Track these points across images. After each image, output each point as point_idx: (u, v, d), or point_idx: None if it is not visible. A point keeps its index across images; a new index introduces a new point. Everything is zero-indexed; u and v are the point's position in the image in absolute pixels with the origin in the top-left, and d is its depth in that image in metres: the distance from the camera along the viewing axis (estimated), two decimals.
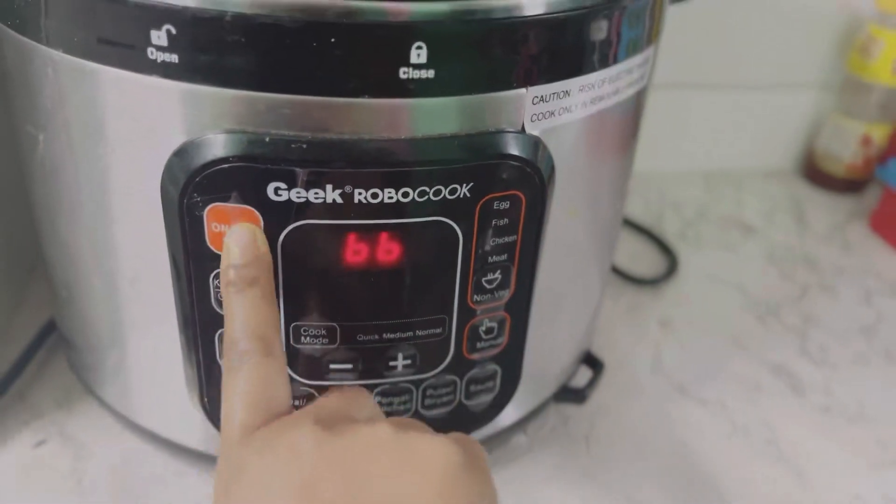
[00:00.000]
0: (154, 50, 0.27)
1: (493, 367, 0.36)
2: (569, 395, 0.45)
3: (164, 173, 0.30)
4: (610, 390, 0.50)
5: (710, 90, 0.75)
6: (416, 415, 0.36)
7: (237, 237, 0.30)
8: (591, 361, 0.47)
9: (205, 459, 0.40)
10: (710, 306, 0.60)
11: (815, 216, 0.74)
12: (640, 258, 0.65)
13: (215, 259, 0.31)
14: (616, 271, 0.62)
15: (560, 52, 0.30)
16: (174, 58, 0.27)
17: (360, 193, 0.29)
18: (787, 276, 0.65)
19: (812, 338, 0.58)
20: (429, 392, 0.36)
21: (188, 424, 0.38)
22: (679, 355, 0.55)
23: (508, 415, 0.41)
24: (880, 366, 0.55)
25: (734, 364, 0.54)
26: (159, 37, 0.27)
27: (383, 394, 0.35)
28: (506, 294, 0.34)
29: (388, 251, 0.31)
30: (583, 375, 0.47)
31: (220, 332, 0.33)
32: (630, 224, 0.69)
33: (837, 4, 0.73)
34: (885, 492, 0.45)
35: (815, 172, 0.79)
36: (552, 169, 0.32)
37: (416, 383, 0.35)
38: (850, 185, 0.77)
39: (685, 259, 0.65)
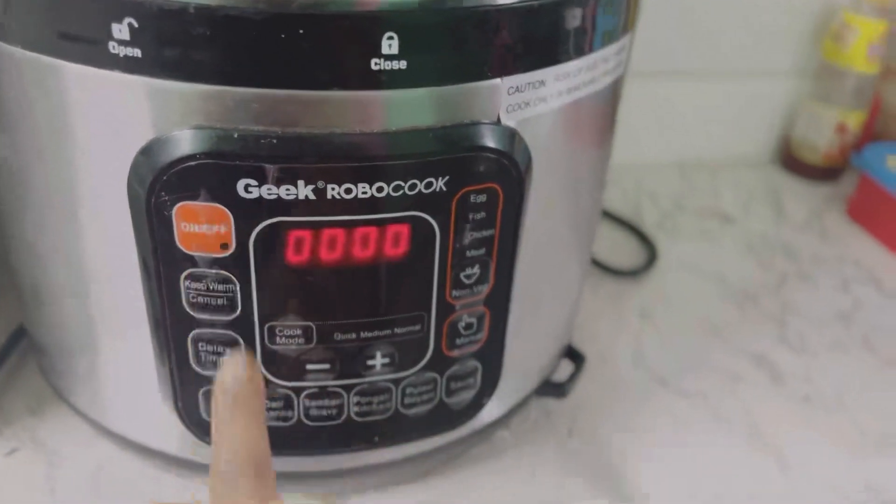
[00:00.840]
0: (116, 44, 0.26)
1: (473, 363, 0.36)
2: (550, 389, 0.45)
3: (130, 172, 0.29)
4: (592, 384, 0.50)
5: (683, 79, 0.75)
6: (397, 414, 0.35)
7: (231, 363, 0.29)
8: (573, 355, 0.47)
9: (180, 464, 0.39)
10: (690, 296, 0.60)
11: (792, 205, 0.74)
12: (618, 249, 0.65)
13: (186, 259, 0.30)
14: (595, 263, 0.61)
15: (534, 41, 0.30)
16: (137, 52, 0.26)
17: (332, 189, 0.29)
18: (766, 264, 0.65)
19: (791, 326, 0.58)
20: (408, 391, 0.35)
21: (162, 429, 0.37)
22: (660, 347, 0.54)
23: (490, 411, 0.40)
24: (858, 353, 0.56)
25: (714, 355, 0.54)
26: (121, 30, 0.26)
27: (362, 393, 0.34)
28: (485, 289, 0.34)
29: (364, 248, 0.30)
30: (564, 369, 0.46)
31: (192, 334, 0.32)
32: (608, 215, 0.68)
33: None
34: (867, 479, 0.45)
35: (791, 161, 0.79)
36: (529, 160, 0.32)
37: (396, 382, 0.34)
38: (826, 172, 0.78)
39: (664, 250, 0.65)
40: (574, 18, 0.31)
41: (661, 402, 0.50)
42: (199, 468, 0.38)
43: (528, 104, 0.31)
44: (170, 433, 0.37)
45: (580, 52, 0.32)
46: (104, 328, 0.35)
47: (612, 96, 0.37)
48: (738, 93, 0.77)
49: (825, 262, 0.66)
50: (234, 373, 0.29)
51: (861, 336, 0.57)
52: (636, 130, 0.73)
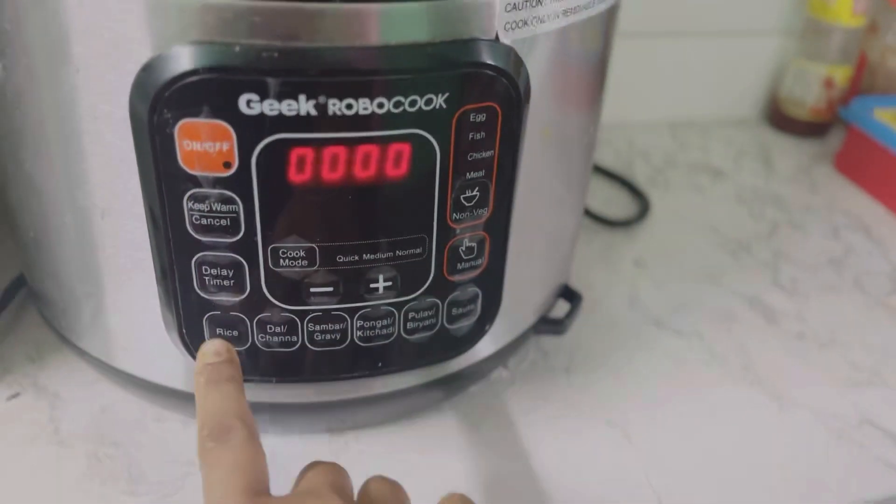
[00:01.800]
0: None
1: (473, 289, 0.36)
2: (548, 326, 0.45)
3: (131, 91, 0.29)
4: (588, 326, 0.51)
5: (672, 38, 0.75)
6: (399, 339, 0.36)
7: (210, 344, 0.32)
8: (569, 295, 0.47)
9: (185, 400, 0.39)
10: (683, 245, 0.61)
11: (782, 159, 0.75)
12: (612, 203, 0.65)
13: (189, 179, 0.30)
14: (589, 214, 0.62)
15: None
16: None
17: (334, 104, 0.29)
18: (757, 215, 0.66)
19: (783, 271, 0.58)
20: (411, 315, 0.35)
21: (167, 364, 0.37)
22: (654, 291, 0.55)
23: (490, 344, 0.41)
24: (850, 294, 0.56)
25: (709, 297, 0.55)
26: None
27: (365, 318, 0.34)
28: (484, 213, 0.34)
29: (365, 166, 0.31)
30: (561, 310, 0.47)
31: (196, 257, 0.32)
32: (601, 171, 0.69)
33: None
34: (861, 408, 0.46)
35: (779, 118, 0.80)
36: (528, 81, 0.32)
37: (398, 306, 0.35)
38: (814, 128, 0.79)
39: (656, 202, 0.66)
40: None
41: (656, 342, 0.50)
42: None
43: (525, 23, 0.31)
44: (175, 367, 0.37)
45: None
46: (107, 263, 0.35)
47: (606, 24, 0.37)
48: (727, 52, 0.78)
49: (815, 211, 0.67)
50: (215, 348, 0.32)
51: (852, 279, 0.58)
52: (627, 91, 0.74)
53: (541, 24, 0.32)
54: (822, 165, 0.74)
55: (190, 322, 0.34)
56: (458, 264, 0.35)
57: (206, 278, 0.32)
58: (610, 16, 0.37)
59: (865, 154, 0.70)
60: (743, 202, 0.67)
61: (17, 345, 0.45)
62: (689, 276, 0.57)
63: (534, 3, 0.31)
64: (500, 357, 0.43)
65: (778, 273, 0.58)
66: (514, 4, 0.30)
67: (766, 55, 0.79)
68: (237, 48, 0.28)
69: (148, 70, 0.28)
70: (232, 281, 0.32)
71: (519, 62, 0.32)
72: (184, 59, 0.28)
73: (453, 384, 0.42)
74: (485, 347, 0.40)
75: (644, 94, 0.78)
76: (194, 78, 0.28)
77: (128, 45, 0.28)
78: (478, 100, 0.31)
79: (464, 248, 0.35)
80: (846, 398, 0.47)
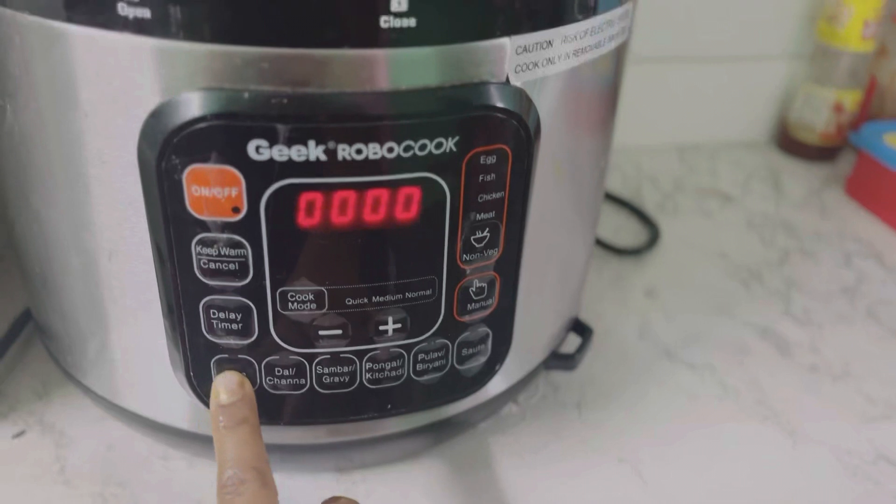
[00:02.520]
0: (125, 5, 0.26)
1: (484, 329, 0.36)
2: (559, 361, 0.45)
3: (140, 136, 0.29)
4: (599, 358, 0.50)
5: (680, 63, 0.75)
6: (409, 381, 0.35)
7: (223, 380, 0.33)
8: (580, 328, 0.47)
9: (190, 439, 0.39)
10: (694, 274, 0.60)
11: (791, 184, 0.74)
12: (621, 230, 0.65)
13: (197, 224, 0.30)
14: (599, 243, 0.61)
15: (541, 0, 0.30)
16: (146, 12, 0.26)
17: (343, 150, 0.28)
18: (767, 241, 0.65)
19: (795, 300, 0.58)
20: (420, 357, 0.35)
21: (173, 404, 0.37)
22: (665, 322, 0.55)
23: (500, 382, 0.40)
24: (863, 324, 0.56)
25: (720, 328, 0.54)
26: None
27: (374, 360, 0.34)
28: (495, 253, 0.34)
29: (375, 210, 0.30)
30: (572, 344, 0.46)
31: (203, 301, 0.32)
32: (610, 197, 0.69)
33: None
34: (876, 444, 0.46)
35: (788, 142, 0.80)
36: (538, 122, 0.32)
37: (408, 348, 0.34)
38: (823, 152, 0.78)
39: (666, 229, 0.65)
40: None
41: (668, 376, 0.50)
42: (209, 443, 0.38)
43: (535, 65, 0.31)
44: (181, 407, 0.37)
45: (586, 13, 0.32)
46: (113, 303, 0.35)
47: (616, 62, 0.37)
48: (736, 76, 0.78)
49: (826, 238, 0.66)
50: (228, 387, 0.32)
51: (865, 308, 0.57)
52: (636, 115, 0.74)
53: (551, 65, 0.32)
54: (833, 190, 0.74)
55: (197, 364, 0.33)
56: (469, 305, 0.35)
57: (214, 322, 0.32)
58: (620, 52, 0.37)
59: (876, 179, 0.69)
60: (753, 228, 0.67)
61: (23, 380, 0.45)
62: (700, 306, 0.56)
63: (544, 46, 0.31)
64: (510, 394, 0.42)
65: (790, 303, 0.57)
66: (525, 47, 0.30)
67: (775, 79, 0.79)
68: (246, 94, 0.27)
69: (156, 116, 0.28)
70: (240, 324, 0.32)
71: (529, 103, 0.31)
72: (192, 106, 0.28)
73: (463, 422, 0.42)
74: (495, 386, 0.40)
75: (652, 117, 0.78)
76: (203, 124, 0.28)
77: (136, 91, 0.28)
78: (488, 142, 0.31)
79: (474, 289, 0.34)
80: (861, 433, 0.46)
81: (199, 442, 0.38)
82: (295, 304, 0.32)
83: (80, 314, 0.37)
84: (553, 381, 0.48)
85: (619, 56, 0.37)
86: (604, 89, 0.37)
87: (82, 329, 0.38)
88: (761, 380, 0.50)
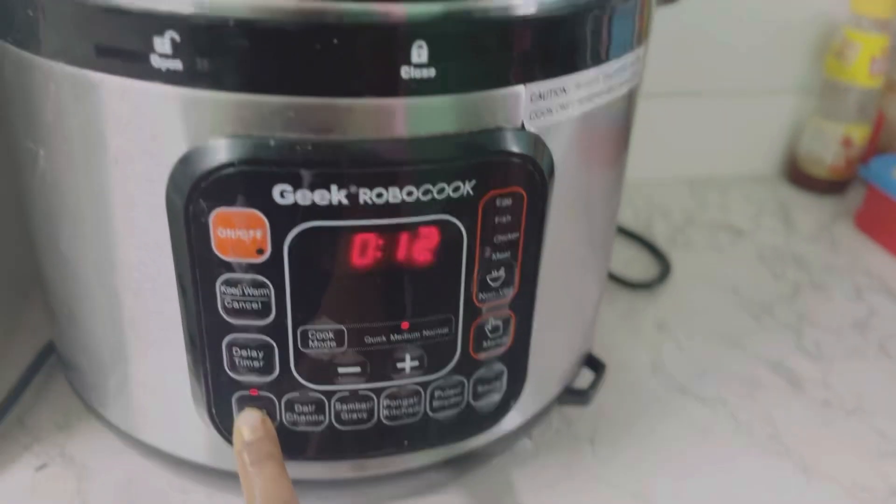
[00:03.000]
0: (157, 57, 0.28)
1: (499, 366, 0.37)
2: (572, 396, 0.45)
3: (168, 181, 0.30)
4: (612, 393, 0.51)
5: (690, 98, 0.76)
6: (426, 417, 0.36)
7: (246, 418, 0.33)
8: (593, 363, 0.47)
9: (210, 474, 0.39)
10: (705, 307, 0.61)
11: (802, 217, 0.75)
12: (633, 264, 0.66)
13: (222, 265, 0.31)
14: (611, 277, 0.62)
15: (554, 49, 0.31)
16: (178, 64, 0.28)
17: (364, 194, 0.29)
18: (778, 275, 0.65)
19: (807, 334, 0.58)
20: (437, 394, 0.36)
21: (194, 438, 0.37)
22: (678, 356, 0.55)
23: (514, 418, 0.41)
24: (876, 359, 0.56)
25: (732, 363, 0.55)
26: (163, 44, 0.27)
27: (392, 397, 0.35)
28: (510, 292, 0.35)
29: (395, 251, 0.31)
30: (585, 378, 0.47)
31: (226, 339, 0.32)
32: (621, 231, 0.69)
33: (813, 10, 0.75)
34: (890, 481, 0.46)
35: (798, 175, 0.80)
36: (552, 165, 0.33)
37: (425, 385, 0.35)
38: (833, 186, 0.79)
39: (677, 263, 0.66)
40: (591, 29, 0.32)
41: (681, 410, 0.50)
42: (228, 478, 0.38)
43: (550, 111, 0.32)
44: (201, 442, 0.37)
45: (598, 60, 0.33)
46: (137, 339, 0.36)
47: (628, 106, 0.38)
48: (745, 111, 0.79)
49: (837, 271, 0.66)
50: (250, 424, 0.33)
51: (878, 342, 0.58)
52: (647, 149, 0.74)
53: (564, 110, 0.33)
54: (843, 223, 0.74)
55: (219, 401, 0.34)
56: (484, 342, 0.35)
57: (237, 359, 0.33)
58: (631, 96, 0.38)
59: (886, 213, 0.70)
60: (764, 261, 0.67)
61: (46, 413, 0.46)
62: (712, 339, 0.57)
63: (558, 93, 0.32)
64: (525, 429, 0.43)
65: (801, 336, 0.58)
66: (540, 94, 0.31)
67: (785, 114, 0.80)
68: (272, 141, 0.29)
69: (185, 162, 0.29)
70: (262, 362, 0.33)
71: (543, 147, 0.32)
72: (220, 152, 0.29)
73: (478, 458, 0.42)
74: (510, 421, 0.40)
75: (663, 151, 0.78)
76: (230, 170, 0.29)
77: (166, 138, 0.29)
78: (503, 185, 0.32)
79: (490, 327, 0.35)
80: (875, 469, 0.46)
81: (218, 477, 0.39)
82: (315, 342, 0.33)
83: (103, 349, 0.38)
84: (567, 416, 0.49)
85: (630, 99, 0.38)
86: (616, 131, 0.38)
87: (105, 364, 0.39)
88: (774, 414, 0.50)
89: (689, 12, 0.70)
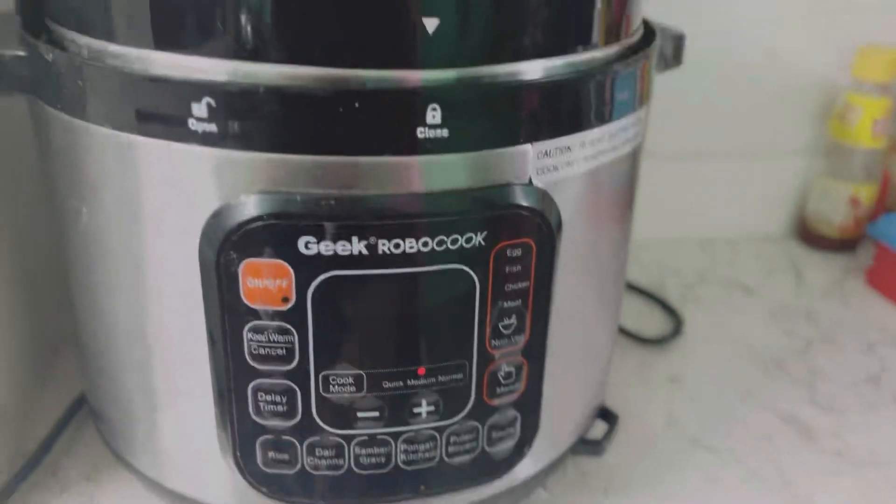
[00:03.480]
0: (195, 121, 0.30)
1: (512, 412, 0.38)
2: (586, 447, 0.46)
3: (202, 235, 0.32)
4: (625, 444, 0.51)
5: (700, 159, 0.79)
6: (441, 462, 0.37)
7: None
8: (607, 415, 0.48)
9: None
10: (718, 362, 0.62)
11: (813, 275, 0.76)
12: (646, 320, 0.67)
13: (250, 312, 0.33)
14: (624, 332, 0.63)
15: (560, 111, 0.34)
16: (213, 127, 0.30)
17: (383, 244, 0.32)
18: (790, 331, 0.66)
19: (819, 388, 0.59)
20: (452, 439, 0.37)
21: (219, 484, 0.39)
22: (691, 409, 0.56)
23: (529, 466, 0.42)
24: (889, 412, 0.56)
25: (745, 415, 0.55)
26: (200, 109, 0.30)
27: (408, 441, 0.36)
28: (522, 339, 0.36)
29: (411, 299, 0.33)
30: (599, 429, 0.48)
31: (252, 384, 0.34)
32: (633, 288, 0.71)
33: (815, 75, 0.78)
34: None
35: (808, 234, 0.82)
36: (559, 218, 0.35)
37: (441, 430, 0.36)
38: (843, 244, 0.80)
39: (689, 319, 0.67)
40: (594, 93, 0.35)
41: (694, 461, 0.51)
42: None
43: (556, 168, 0.34)
44: (226, 488, 0.39)
45: (601, 121, 0.35)
46: (166, 388, 0.38)
47: (631, 163, 0.40)
48: (754, 172, 0.81)
49: (848, 327, 0.67)
50: None
51: (891, 395, 0.58)
52: (658, 209, 0.77)
53: (570, 167, 0.35)
54: (854, 280, 0.75)
55: (244, 445, 0.36)
56: (498, 388, 0.37)
57: (262, 404, 0.35)
58: (634, 154, 0.40)
59: (895, 270, 0.71)
60: (775, 318, 0.68)
61: (76, 462, 0.47)
62: (724, 393, 0.58)
63: (563, 151, 0.34)
64: (539, 479, 0.44)
65: (814, 389, 0.58)
66: (546, 152, 0.33)
67: (792, 174, 0.82)
68: (298, 197, 0.31)
69: (218, 216, 0.32)
70: (285, 407, 0.34)
71: (550, 201, 0.35)
72: (251, 207, 0.31)
73: None
74: (524, 470, 0.41)
75: (675, 212, 0.80)
76: (259, 223, 0.31)
77: (199, 194, 0.32)
78: (513, 237, 0.34)
79: (502, 373, 0.37)
80: None
81: None
82: (336, 386, 0.34)
83: (133, 399, 0.40)
84: (581, 467, 0.49)
85: (633, 157, 0.40)
86: (620, 187, 0.40)
87: (134, 413, 0.40)
88: (786, 465, 0.50)
89: (699, 77, 0.73)
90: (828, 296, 0.72)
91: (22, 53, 0.34)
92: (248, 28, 0.30)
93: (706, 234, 0.82)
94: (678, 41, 0.46)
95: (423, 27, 0.30)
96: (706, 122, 0.77)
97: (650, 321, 0.67)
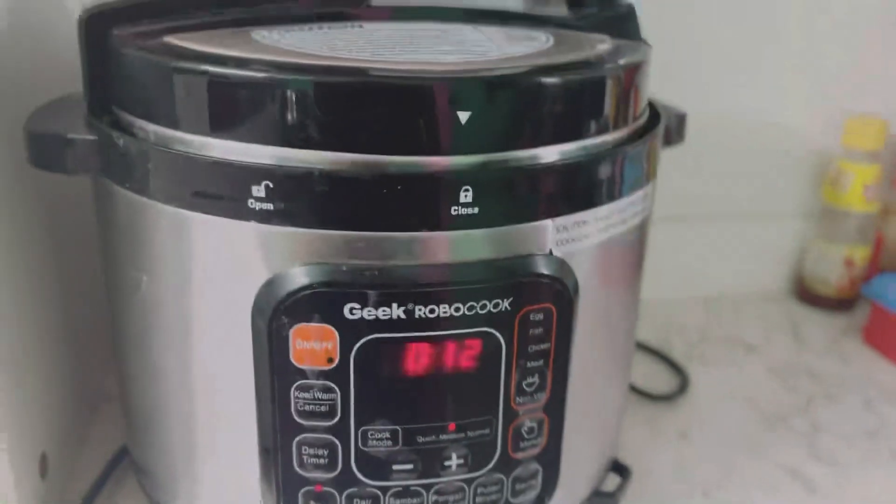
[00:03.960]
0: (254, 201, 0.34)
1: (535, 466, 0.41)
2: (601, 499, 0.49)
3: (254, 303, 0.36)
4: (638, 497, 0.54)
5: (702, 222, 0.83)
6: None
7: None
8: (619, 468, 0.51)
9: None
10: (723, 418, 0.64)
11: (811, 333, 0.79)
12: (653, 378, 0.70)
13: (298, 372, 0.36)
14: (633, 390, 0.66)
15: (576, 190, 0.37)
16: (270, 206, 0.34)
17: (419, 310, 0.35)
18: (791, 388, 0.69)
19: (821, 442, 0.61)
20: (479, 490, 0.40)
21: None
22: (699, 462, 0.58)
23: None
24: (888, 467, 0.59)
25: (751, 469, 0.58)
26: (259, 190, 0.34)
27: (439, 492, 0.39)
28: (543, 396, 0.39)
29: (443, 359, 0.36)
30: (612, 483, 0.50)
31: (297, 439, 0.37)
32: (641, 346, 0.74)
33: (808, 145, 0.83)
34: None
35: (806, 294, 0.85)
36: (576, 284, 0.38)
37: (469, 482, 0.39)
38: (840, 303, 0.83)
39: (695, 376, 0.70)
40: (607, 172, 0.39)
41: None
42: None
43: (573, 239, 0.38)
44: None
45: (612, 198, 0.39)
46: (211, 443, 0.41)
47: (641, 232, 0.44)
48: (753, 233, 0.85)
49: (847, 383, 0.70)
50: None
51: (889, 450, 0.61)
52: (662, 270, 0.80)
53: (586, 239, 0.39)
54: (852, 338, 0.78)
55: (287, 497, 0.39)
56: (521, 443, 0.40)
57: (305, 457, 0.38)
58: (643, 225, 0.44)
59: (890, 329, 0.74)
60: (777, 375, 0.71)
61: None
62: (731, 447, 0.60)
63: (580, 224, 0.38)
64: None
65: (816, 445, 0.61)
66: (564, 226, 0.37)
67: (789, 236, 0.86)
68: (344, 267, 0.35)
69: (269, 286, 0.35)
70: (327, 459, 0.37)
71: (569, 269, 0.38)
72: (301, 277, 0.35)
73: None
74: None
75: (678, 272, 0.84)
76: (309, 292, 0.35)
77: (252, 266, 0.35)
78: (536, 302, 0.37)
79: (526, 429, 0.40)
80: None
81: None
82: (374, 441, 0.37)
83: (177, 453, 0.43)
84: None
85: (642, 227, 0.44)
86: (631, 254, 0.44)
87: (178, 466, 0.43)
88: None
89: (702, 146, 0.77)
90: (827, 353, 0.76)
91: (92, 137, 0.38)
92: (302, 119, 0.33)
93: (709, 293, 0.86)
94: (680, 120, 0.50)
95: (458, 119, 0.34)
96: (709, 186, 0.81)
97: (658, 378, 0.70)
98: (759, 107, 0.80)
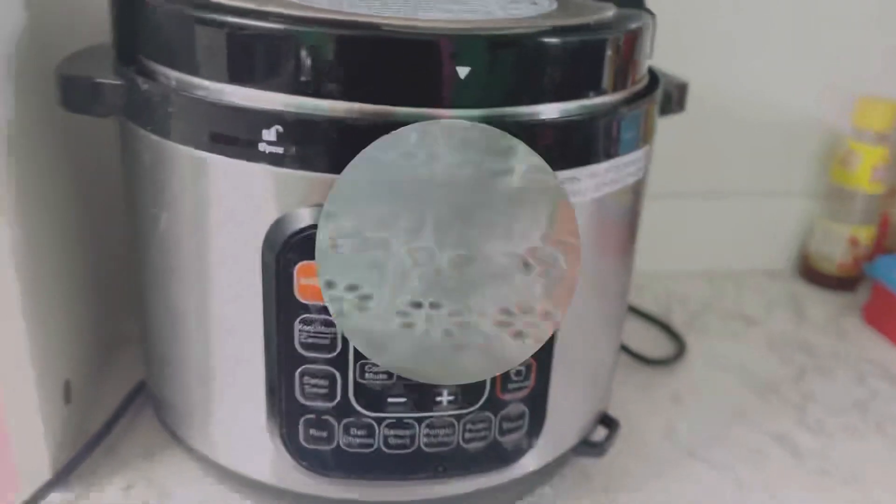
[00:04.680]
0: (265, 144, 0.37)
1: (521, 407, 0.43)
2: (588, 448, 0.51)
3: (264, 240, 0.38)
4: (626, 453, 0.56)
5: (709, 198, 0.84)
6: (458, 447, 0.42)
7: None
8: (608, 421, 0.53)
9: (274, 494, 0.46)
10: (717, 385, 0.66)
11: (812, 310, 0.81)
12: (651, 343, 0.72)
13: (301, 307, 0.39)
14: (630, 353, 0.68)
15: (570, 147, 0.40)
16: (280, 150, 0.37)
17: None
18: (786, 360, 0.71)
19: (810, 412, 0.63)
20: (468, 427, 0.42)
21: (264, 460, 0.44)
22: (689, 425, 0.61)
23: (535, 460, 0.47)
24: (873, 437, 0.61)
25: (740, 433, 0.60)
26: (270, 134, 0.36)
27: (430, 426, 0.42)
28: None
29: None
30: (600, 435, 0.53)
31: (299, 369, 0.40)
32: (641, 314, 0.76)
33: (819, 123, 0.84)
34: None
35: (809, 271, 0.86)
36: None
37: (458, 418, 0.42)
38: (842, 282, 0.85)
39: (692, 345, 0.72)
40: (601, 132, 0.41)
41: (689, 471, 0.55)
42: (291, 498, 0.45)
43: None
44: (267, 463, 0.44)
45: (607, 156, 0.41)
46: (223, 374, 0.44)
47: (634, 195, 0.46)
48: (760, 211, 0.86)
49: (842, 359, 0.72)
50: None
51: (875, 423, 0.62)
52: (669, 242, 0.82)
53: (579, 195, 0.41)
54: (851, 316, 0.80)
55: (289, 423, 0.41)
56: (509, 384, 0.42)
57: (306, 387, 0.40)
58: (637, 187, 0.46)
59: (891, 308, 0.75)
60: (773, 348, 0.73)
61: (134, 442, 0.53)
62: (721, 412, 0.62)
63: (572, 181, 0.40)
64: (544, 474, 0.49)
65: (804, 413, 0.63)
66: (560, 181, 0.39)
67: (795, 214, 0.87)
68: None
69: (278, 224, 0.38)
70: (326, 389, 0.40)
71: None
72: (306, 217, 0.37)
73: (504, 495, 0.48)
74: (531, 462, 0.46)
75: (682, 246, 0.86)
76: (312, 231, 0.37)
77: (264, 206, 0.38)
78: None
79: (514, 371, 0.42)
80: None
81: (280, 497, 0.45)
82: (370, 374, 0.40)
83: (192, 384, 0.46)
84: (584, 471, 0.54)
85: (636, 189, 0.46)
86: (623, 216, 0.46)
87: (193, 397, 0.46)
88: (775, 481, 0.55)
89: (714, 123, 0.79)
90: (825, 330, 0.77)
91: (119, 82, 0.41)
92: (312, 69, 0.36)
93: (713, 268, 0.87)
94: (682, 89, 0.52)
95: (457, 74, 0.36)
96: (720, 164, 0.83)
97: (655, 345, 0.72)
98: (770, 85, 0.81)
